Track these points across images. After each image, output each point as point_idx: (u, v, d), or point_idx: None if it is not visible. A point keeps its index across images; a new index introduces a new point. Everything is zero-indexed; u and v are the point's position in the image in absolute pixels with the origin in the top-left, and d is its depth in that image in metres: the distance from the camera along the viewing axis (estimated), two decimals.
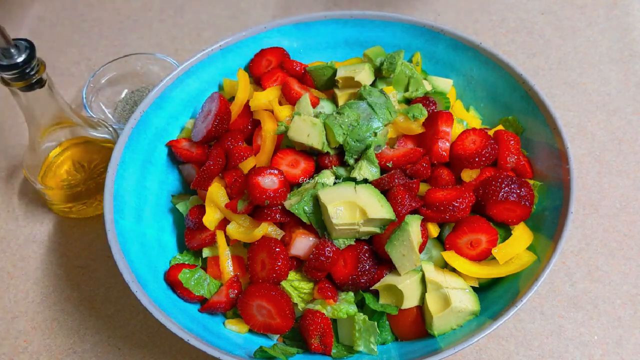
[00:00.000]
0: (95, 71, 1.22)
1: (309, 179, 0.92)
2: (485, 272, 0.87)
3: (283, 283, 0.87)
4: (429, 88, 1.05)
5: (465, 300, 0.85)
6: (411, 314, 0.87)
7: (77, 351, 0.98)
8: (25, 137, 1.04)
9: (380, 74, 1.03)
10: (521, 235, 0.90)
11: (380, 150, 0.93)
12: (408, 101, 1.03)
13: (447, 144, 0.93)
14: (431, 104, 0.99)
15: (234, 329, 0.89)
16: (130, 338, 0.99)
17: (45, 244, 1.09)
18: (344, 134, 0.92)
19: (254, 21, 1.39)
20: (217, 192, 0.92)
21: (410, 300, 0.86)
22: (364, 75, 1.00)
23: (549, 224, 0.89)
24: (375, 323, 0.85)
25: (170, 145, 1.04)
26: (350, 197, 0.86)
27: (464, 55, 1.07)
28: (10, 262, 1.08)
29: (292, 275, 0.88)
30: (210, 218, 0.92)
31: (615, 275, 1.01)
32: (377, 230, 0.87)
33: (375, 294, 0.88)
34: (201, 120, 1.02)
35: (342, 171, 0.93)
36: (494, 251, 0.87)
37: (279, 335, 0.89)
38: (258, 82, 1.08)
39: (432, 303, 0.85)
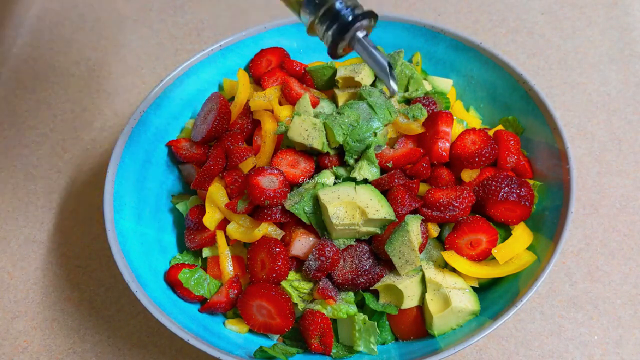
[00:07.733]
0: None
1: (309, 179, 0.92)
2: (485, 272, 0.87)
3: (283, 283, 0.87)
4: (429, 88, 1.05)
5: (465, 300, 0.85)
6: (411, 314, 0.87)
7: (77, 351, 0.98)
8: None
9: None
10: (521, 235, 0.89)
11: (380, 150, 0.93)
12: (408, 101, 1.03)
13: (447, 144, 0.93)
14: (431, 104, 0.99)
15: (234, 329, 0.89)
16: (130, 338, 0.99)
17: (45, 244, 1.09)
18: (344, 134, 0.92)
19: (254, 21, 1.39)
20: (217, 192, 0.92)
21: (410, 300, 0.86)
22: (364, 75, 1.00)
23: (549, 224, 0.89)
24: (375, 323, 0.85)
25: (170, 145, 1.04)
26: (350, 197, 0.86)
27: (464, 55, 1.07)
28: (10, 262, 1.08)
29: (292, 275, 0.88)
30: (210, 218, 0.92)
31: (615, 275, 1.01)
32: (377, 230, 0.87)
33: (375, 294, 0.88)
34: (201, 120, 1.02)
35: (342, 171, 0.93)
36: (494, 251, 0.87)
37: (279, 335, 0.89)
38: (258, 82, 1.08)
39: (432, 303, 0.85)
